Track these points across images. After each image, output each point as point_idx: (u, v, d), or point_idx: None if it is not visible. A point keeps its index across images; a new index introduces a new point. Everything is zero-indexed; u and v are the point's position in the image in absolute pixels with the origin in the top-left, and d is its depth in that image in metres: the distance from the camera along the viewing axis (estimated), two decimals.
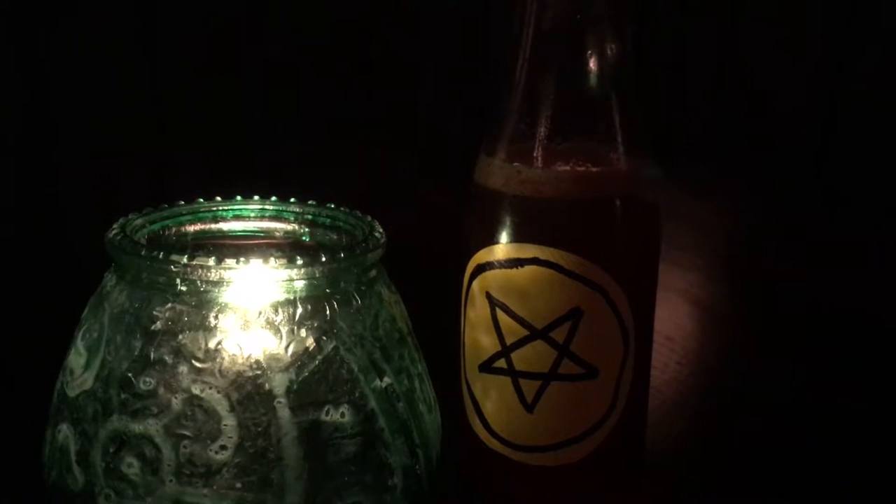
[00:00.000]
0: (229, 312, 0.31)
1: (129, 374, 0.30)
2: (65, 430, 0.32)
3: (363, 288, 0.33)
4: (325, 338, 0.31)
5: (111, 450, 0.30)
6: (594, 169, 0.37)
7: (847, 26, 1.07)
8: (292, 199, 0.38)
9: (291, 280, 0.31)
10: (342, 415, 0.31)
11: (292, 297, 0.31)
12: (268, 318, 0.31)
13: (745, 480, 0.45)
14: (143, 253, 0.31)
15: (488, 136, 0.39)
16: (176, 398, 0.30)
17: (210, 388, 0.30)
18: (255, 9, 0.95)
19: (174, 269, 0.31)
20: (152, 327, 0.31)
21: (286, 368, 0.31)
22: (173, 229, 0.37)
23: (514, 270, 0.37)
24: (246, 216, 0.38)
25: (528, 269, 0.37)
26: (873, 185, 0.99)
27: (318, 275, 0.32)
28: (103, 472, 0.30)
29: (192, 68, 0.92)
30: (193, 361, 0.30)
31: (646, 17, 1.07)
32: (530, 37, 0.37)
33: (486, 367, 0.38)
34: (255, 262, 0.31)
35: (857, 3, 1.06)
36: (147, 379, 0.30)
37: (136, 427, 0.30)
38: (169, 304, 0.31)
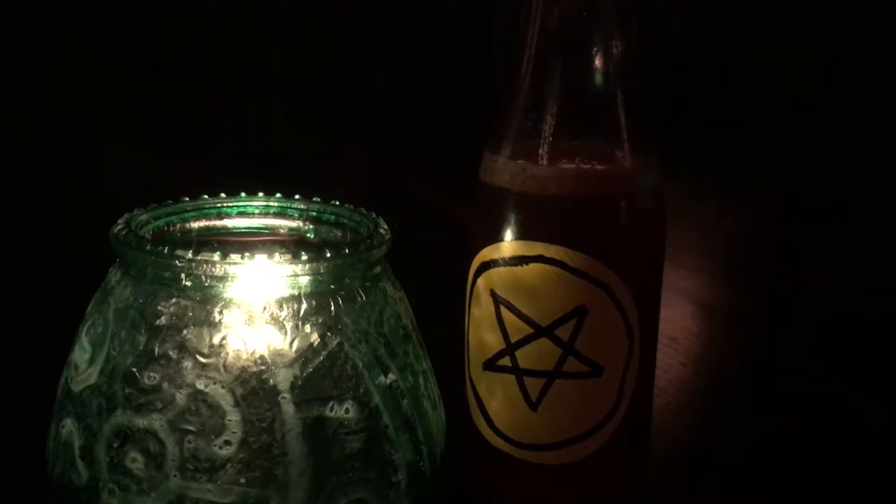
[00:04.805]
0: (234, 308, 0.31)
1: (134, 369, 0.30)
2: (69, 425, 0.32)
3: (368, 284, 0.33)
4: (329, 334, 0.31)
5: (115, 444, 0.30)
6: (599, 166, 0.37)
7: (850, 27, 1.07)
8: (297, 196, 0.38)
9: (296, 276, 0.31)
10: (346, 411, 0.31)
11: (297, 293, 0.31)
12: (272, 314, 0.31)
13: (748, 481, 0.45)
14: (147, 248, 0.31)
15: (493, 133, 0.39)
16: (180, 393, 0.30)
17: (214, 383, 0.30)
18: (259, 8, 0.95)
19: (179, 265, 0.31)
20: (157, 322, 0.31)
21: (290, 364, 0.31)
22: (178, 226, 0.37)
23: (519, 268, 0.37)
24: (250, 213, 0.38)
25: (533, 266, 0.36)
26: (877, 186, 0.99)
27: (322, 271, 0.32)
28: (107, 466, 0.30)
29: (195, 67, 0.92)
30: (198, 357, 0.30)
31: (650, 16, 1.07)
32: (536, 34, 0.37)
33: (491, 364, 0.38)
34: (260, 258, 0.31)
35: (860, 4, 1.06)
36: (151, 374, 0.30)
37: (141, 422, 0.30)
38: (173, 300, 0.31)
